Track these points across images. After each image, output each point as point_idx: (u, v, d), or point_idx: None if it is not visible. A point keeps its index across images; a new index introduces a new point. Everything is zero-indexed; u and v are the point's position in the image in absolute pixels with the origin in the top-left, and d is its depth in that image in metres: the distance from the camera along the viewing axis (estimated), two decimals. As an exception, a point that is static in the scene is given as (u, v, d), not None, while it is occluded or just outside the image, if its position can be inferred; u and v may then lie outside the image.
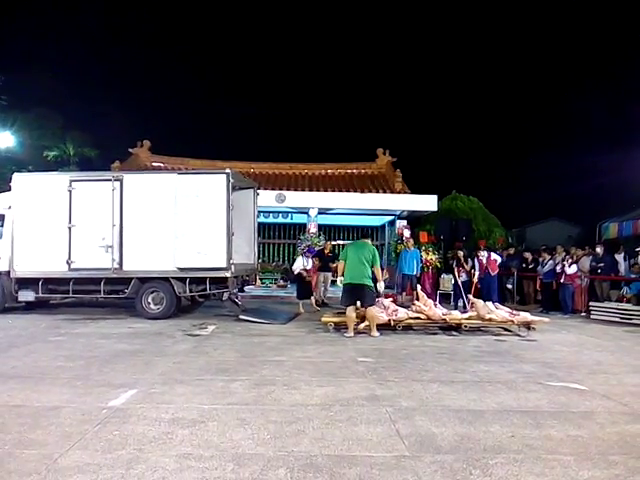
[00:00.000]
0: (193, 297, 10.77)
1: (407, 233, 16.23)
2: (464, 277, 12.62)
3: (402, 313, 8.92)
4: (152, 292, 10.34)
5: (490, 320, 8.89)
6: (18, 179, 10.82)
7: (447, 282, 13.49)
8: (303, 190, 17.66)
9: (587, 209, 29.88)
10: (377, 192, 17.61)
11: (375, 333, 8.39)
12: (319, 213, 17.05)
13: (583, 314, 11.79)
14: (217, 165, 17.83)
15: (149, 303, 10.33)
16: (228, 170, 10.38)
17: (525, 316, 8.98)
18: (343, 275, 8.56)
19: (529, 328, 8.83)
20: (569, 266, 12.04)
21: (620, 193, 24.89)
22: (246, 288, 12.69)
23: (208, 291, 10.42)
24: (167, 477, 3.17)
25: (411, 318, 8.91)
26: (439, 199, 17.47)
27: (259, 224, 12.71)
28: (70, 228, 10.32)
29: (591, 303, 11.72)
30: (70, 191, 10.40)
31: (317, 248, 14.79)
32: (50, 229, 10.41)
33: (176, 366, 6.09)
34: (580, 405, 4.77)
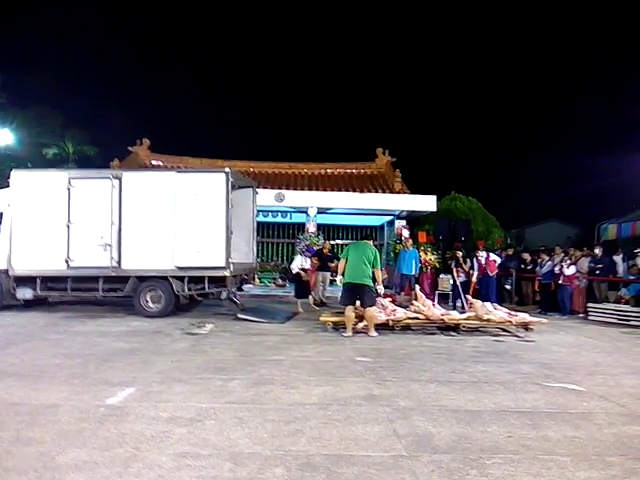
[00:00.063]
0: (191, 296, 10.76)
1: (406, 233, 16.24)
2: (463, 277, 12.62)
3: (400, 313, 8.93)
4: (150, 290, 10.33)
5: (488, 321, 8.90)
6: (17, 176, 10.80)
7: (445, 282, 13.50)
8: (302, 189, 17.66)
9: (586, 210, 29.94)
10: (376, 192, 17.61)
11: (373, 333, 8.39)
12: (318, 213, 17.05)
13: (581, 315, 11.80)
14: (216, 164, 17.83)
15: (147, 301, 10.32)
16: (227, 169, 10.37)
17: (523, 317, 8.99)
18: (343, 274, 8.57)
19: (527, 329, 8.84)
20: (567, 267, 12.04)
21: (619, 195, 24.95)
22: (245, 287, 12.68)
23: (207, 290, 10.42)
24: (164, 475, 3.17)
25: (409, 318, 8.91)
26: (438, 199, 17.48)
27: (258, 223, 12.72)
28: (69, 226, 10.30)
29: (589, 304, 11.73)
30: (69, 189, 10.38)
31: (316, 248, 14.79)
32: (49, 227, 10.39)
33: (174, 365, 6.09)
34: (578, 406, 4.78)
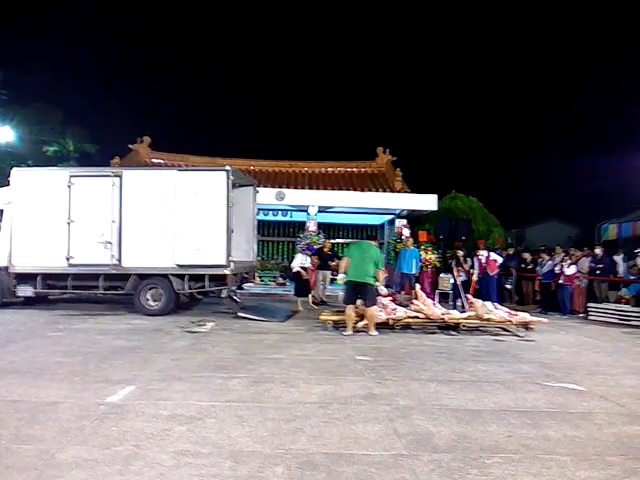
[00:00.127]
0: (192, 294, 10.76)
1: (406, 232, 16.21)
2: (463, 277, 12.61)
3: (401, 312, 8.93)
4: (151, 288, 10.34)
5: (489, 320, 8.89)
6: (17, 174, 10.80)
7: (446, 282, 13.49)
8: (303, 188, 17.64)
9: (586, 210, 29.93)
10: (377, 191, 17.59)
11: (374, 332, 8.39)
12: (319, 211, 17.04)
13: (581, 315, 11.79)
14: (217, 162, 17.78)
15: (148, 299, 10.33)
16: (228, 167, 10.37)
17: (524, 316, 8.99)
18: (345, 272, 8.57)
19: (527, 328, 8.84)
20: (568, 267, 12.04)
21: (620, 195, 24.94)
22: (245, 285, 12.68)
23: (207, 288, 10.42)
24: (165, 473, 3.17)
25: (410, 317, 8.92)
26: (439, 198, 17.46)
27: (258, 222, 12.71)
28: (69, 224, 10.31)
29: (589, 304, 11.73)
30: (69, 187, 10.39)
31: (316, 246, 14.79)
32: (49, 224, 10.40)
33: (174, 363, 6.09)
34: (578, 406, 4.78)
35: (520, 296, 14.08)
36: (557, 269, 12.30)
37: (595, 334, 9.40)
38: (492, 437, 3.90)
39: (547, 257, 13.04)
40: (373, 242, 9.04)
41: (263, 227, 18.91)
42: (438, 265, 15.02)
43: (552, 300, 12.46)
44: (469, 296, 10.63)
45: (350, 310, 8.47)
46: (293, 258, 12.83)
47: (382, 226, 19.70)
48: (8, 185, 10.82)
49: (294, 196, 16.66)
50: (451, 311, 9.56)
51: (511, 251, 15.25)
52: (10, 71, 21.72)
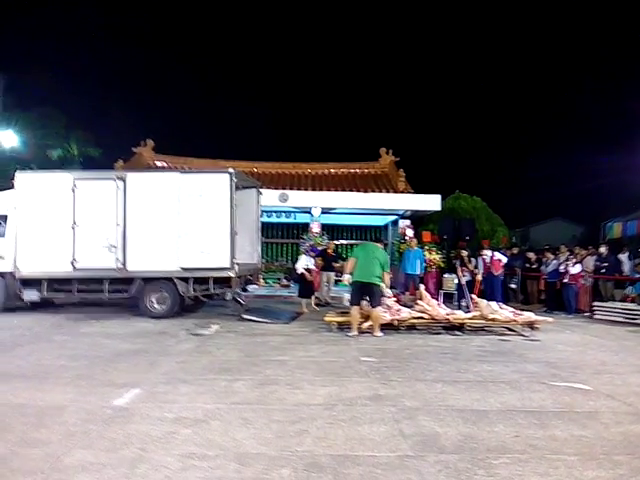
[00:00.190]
0: (196, 297, 10.76)
1: (410, 233, 16.18)
2: (467, 277, 12.59)
3: (405, 313, 8.92)
4: (156, 292, 10.35)
5: (493, 320, 8.87)
6: (21, 178, 10.83)
7: (450, 282, 13.45)
8: (306, 190, 17.63)
9: (591, 208, 29.85)
10: (380, 192, 17.56)
11: (378, 333, 8.38)
12: (322, 213, 17.03)
13: (587, 314, 11.74)
14: (220, 164, 17.79)
15: (153, 303, 10.34)
16: (231, 169, 10.38)
17: (529, 316, 8.96)
18: (351, 273, 8.56)
19: (533, 328, 8.81)
20: (573, 266, 11.99)
21: (624, 193, 24.81)
22: (249, 288, 12.68)
23: (211, 291, 10.43)
24: (170, 476, 3.17)
25: (414, 318, 8.90)
26: (442, 199, 17.41)
27: (262, 224, 12.71)
28: (74, 228, 10.34)
29: (595, 303, 11.67)
30: (74, 190, 10.41)
31: (320, 248, 14.78)
32: (54, 229, 10.42)
33: (179, 366, 6.09)
34: (584, 405, 4.76)
35: (525, 296, 14.04)
36: (562, 268, 12.25)
37: (601, 333, 9.35)
38: (499, 437, 3.89)
39: (552, 256, 12.99)
40: (379, 244, 9.04)
41: (267, 229, 18.89)
42: (442, 265, 15.00)
43: (557, 299, 12.41)
44: (474, 296, 10.60)
45: (355, 311, 8.46)
46: (297, 260, 12.82)
47: (386, 227, 19.68)
48: (12, 189, 10.84)
49: (297, 198, 16.65)
50: (456, 311, 9.53)
51: (515, 250, 15.21)
52: (12, 75, 21.83)
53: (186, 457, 3.44)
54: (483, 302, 9.34)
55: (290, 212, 18.32)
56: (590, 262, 12.56)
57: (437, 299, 10.87)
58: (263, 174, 19.42)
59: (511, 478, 3.21)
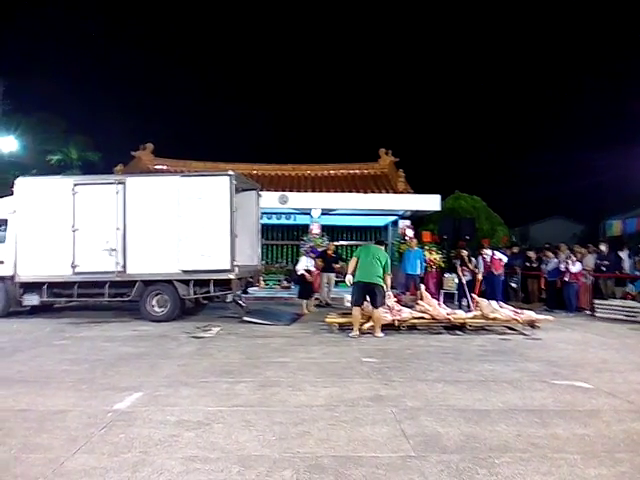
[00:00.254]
0: (197, 299, 10.76)
1: (410, 233, 16.18)
2: (468, 276, 12.58)
3: (406, 313, 8.92)
4: (156, 295, 10.35)
5: (494, 319, 8.87)
6: (21, 183, 10.85)
7: (451, 281, 13.45)
8: (306, 191, 17.63)
9: (590, 207, 29.87)
10: (380, 192, 17.56)
11: (379, 333, 8.38)
12: (322, 214, 17.03)
13: (588, 312, 11.75)
14: (220, 167, 17.82)
15: (153, 306, 10.34)
16: (231, 172, 10.39)
17: (529, 315, 8.97)
18: (353, 273, 8.56)
19: (534, 327, 8.82)
20: (573, 264, 12.00)
21: (624, 191, 24.84)
22: (250, 290, 12.68)
23: (212, 293, 10.42)
24: (173, 479, 3.17)
25: (415, 318, 8.91)
26: (442, 199, 17.41)
27: (262, 225, 12.72)
28: (74, 232, 10.35)
29: (595, 301, 11.68)
30: (74, 195, 10.43)
31: (320, 249, 14.78)
32: (54, 233, 10.43)
33: (181, 368, 6.10)
34: (586, 403, 4.76)
35: (525, 294, 14.03)
36: (562, 267, 12.25)
37: (602, 331, 9.36)
38: (501, 437, 3.89)
39: (552, 255, 12.99)
40: (381, 247, 9.02)
41: (267, 231, 18.90)
42: (442, 265, 14.99)
43: (558, 298, 12.41)
44: (474, 295, 10.60)
45: (357, 311, 8.47)
46: (297, 261, 12.83)
47: (386, 227, 19.68)
48: (12, 194, 10.86)
49: (297, 199, 16.65)
50: (456, 311, 9.53)
51: (516, 250, 15.20)
52: (12, 80, 21.87)
53: (189, 460, 3.44)
54: (484, 301, 9.35)
55: (290, 214, 18.32)
56: (590, 260, 12.56)
57: (438, 299, 10.87)
58: (263, 176, 19.44)
59: (513, 477, 3.21)
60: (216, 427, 4.07)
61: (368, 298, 8.48)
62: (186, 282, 10.30)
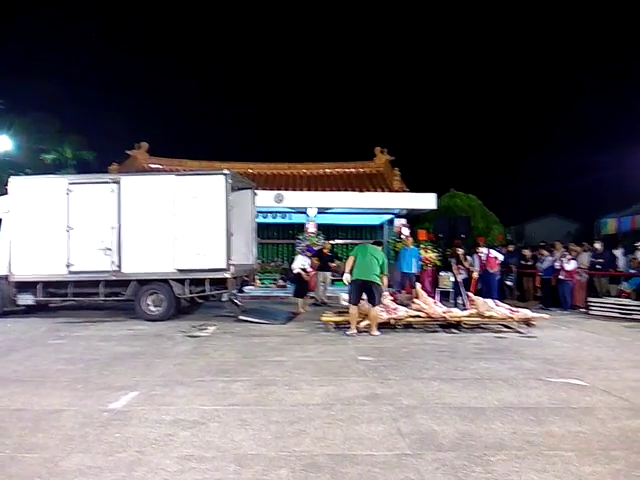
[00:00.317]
0: (192, 298, 10.75)
1: (406, 231, 16.21)
2: (463, 275, 12.61)
3: (402, 311, 8.93)
4: (151, 294, 10.33)
5: (490, 317, 8.89)
6: (15, 182, 10.81)
7: (446, 280, 13.48)
8: (301, 190, 17.62)
9: (585, 205, 30.01)
10: (375, 191, 17.57)
11: (375, 332, 8.39)
12: (318, 213, 17.03)
13: (583, 310, 11.79)
14: (215, 166, 17.79)
15: (148, 305, 10.32)
16: (226, 171, 10.37)
17: (525, 313, 8.99)
18: (350, 272, 8.56)
19: (529, 325, 8.84)
20: (568, 262, 12.04)
21: (618, 189, 24.98)
22: (245, 289, 12.67)
23: (207, 292, 10.41)
24: (169, 479, 3.17)
25: (411, 316, 8.92)
26: (437, 197, 17.44)
27: (258, 224, 12.71)
28: (69, 231, 10.31)
29: (590, 299, 11.73)
30: (68, 194, 10.39)
31: (316, 248, 14.78)
32: (48, 232, 10.39)
33: (176, 368, 6.09)
34: (581, 401, 4.78)
35: (521, 292, 14.07)
36: (557, 265, 12.30)
37: (596, 329, 9.39)
38: (496, 434, 3.90)
39: (547, 253, 13.03)
40: (378, 247, 9.02)
41: (262, 230, 18.82)
42: (438, 264, 15.01)
43: (553, 296, 12.45)
44: (470, 294, 10.63)
45: (354, 309, 8.47)
46: (293, 260, 12.82)
47: (381, 226, 19.69)
48: (6, 194, 10.81)
49: (293, 198, 16.64)
50: (452, 309, 9.55)
51: (511, 248, 15.26)
52: (7, 79, 21.78)
53: (184, 459, 3.44)
54: (479, 300, 9.37)
55: (286, 212, 18.32)
56: (585, 258, 12.60)
57: (433, 297, 10.89)
58: (258, 175, 19.41)
59: (508, 475, 3.22)
60: (212, 426, 4.06)
61: (365, 296, 8.49)
62: (182, 281, 10.27)
